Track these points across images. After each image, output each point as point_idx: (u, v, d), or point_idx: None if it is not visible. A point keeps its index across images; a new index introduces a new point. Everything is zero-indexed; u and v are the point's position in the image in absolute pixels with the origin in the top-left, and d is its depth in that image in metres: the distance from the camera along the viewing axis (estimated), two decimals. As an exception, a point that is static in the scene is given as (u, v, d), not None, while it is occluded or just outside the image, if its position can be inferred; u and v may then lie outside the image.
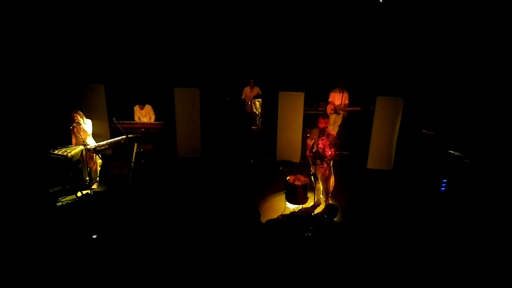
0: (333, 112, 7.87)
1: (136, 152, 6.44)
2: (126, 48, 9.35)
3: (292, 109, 7.31)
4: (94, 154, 5.95)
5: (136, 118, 7.00)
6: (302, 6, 9.16)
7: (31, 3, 7.76)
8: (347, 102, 7.84)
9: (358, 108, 7.87)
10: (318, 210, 5.59)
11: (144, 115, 7.01)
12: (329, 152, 5.09)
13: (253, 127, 9.58)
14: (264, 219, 5.16)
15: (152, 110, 7.07)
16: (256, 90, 9.25)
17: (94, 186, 6.18)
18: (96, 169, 6.19)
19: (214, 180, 6.62)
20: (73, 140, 5.99)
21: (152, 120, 6.96)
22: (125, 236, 4.71)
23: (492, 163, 7.08)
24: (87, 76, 8.25)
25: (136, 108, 7.01)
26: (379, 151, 7.19)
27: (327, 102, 7.99)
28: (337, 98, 7.83)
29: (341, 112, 7.93)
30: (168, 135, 7.34)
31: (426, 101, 8.59)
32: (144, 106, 6.97)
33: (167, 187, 6.30)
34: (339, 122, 8.13)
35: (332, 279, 3.99)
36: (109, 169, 6.59)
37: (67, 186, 6.00)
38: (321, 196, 5.65)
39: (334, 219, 5.16)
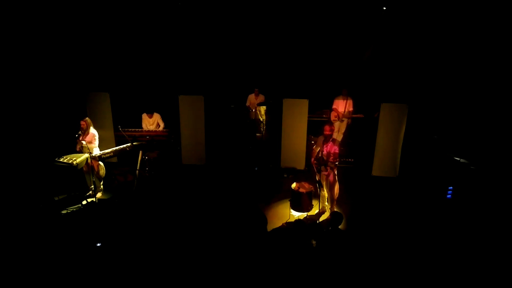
0: (336, 119, 7.87)
1: (141, 160, 6.46)
2: (131, 56, 9.46)
3: (297, 116, 7.32)
4: (99, 162, 5.99)
5: (144, 126, 7.05)
6: (306, 15, 9.22)
7: (37, 11, 7.90)
8: (351, 109, 7.83)
9: (361, 116, 7.86)
10: (323, 217, 5.56)
11: (152, 123, 7.05)
12: (333, 158, 5.08)
13: (257, 134, 9.58)
14: (269, 227, 5.15)
15: (161, 118, 7.13)
16: (261, 97, 9.28)
17: (99, 194, 6.20)
18: (100, 176, 6.22)
19: (218, 188, 6.62)
20: (78, 148, 6.04)
21: (161, 128, 7.00)
22: (130, 244, 4.71)
23: (498, 169, 7.01)
24: (93, 84, 8.35)
25: (144, 116, 7.07)
26: (384, 158, 7.15)
27: (331, 109, 7.99)
28: (341, 105, 7.84)
29: (345, 119, 7.92)
30: (173, 143, 7.37)
31: (431, 108, 8.55)
32: (152, 114, 7.02)
33: (172, 194, 6.30)
34: (343, 129, 8.12)
35: (337, 287, 3.95)
36: (114, 176, 6.61)
37: (72, 194, 6.02)
38: (326, 203, 5.62)
39: (339, 227, 5.14)
